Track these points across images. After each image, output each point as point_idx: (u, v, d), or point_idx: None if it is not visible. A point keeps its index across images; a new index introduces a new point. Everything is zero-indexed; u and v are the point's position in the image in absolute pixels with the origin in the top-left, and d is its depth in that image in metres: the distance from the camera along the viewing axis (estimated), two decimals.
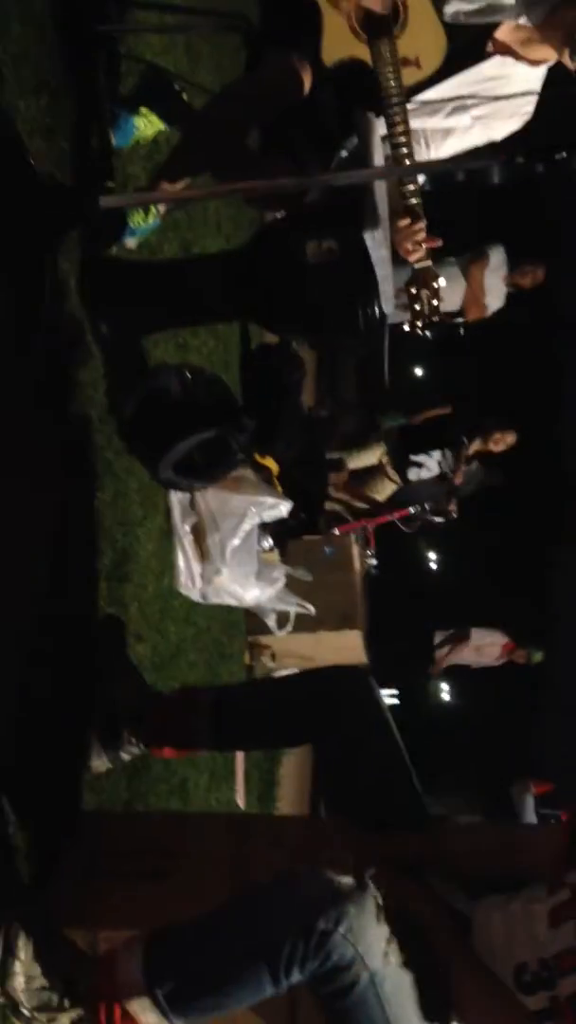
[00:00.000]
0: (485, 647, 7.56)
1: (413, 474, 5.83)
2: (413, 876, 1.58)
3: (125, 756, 2.07)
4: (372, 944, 1.35)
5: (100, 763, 2.06)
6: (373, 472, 6.03)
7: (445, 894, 1.59)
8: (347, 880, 1.36)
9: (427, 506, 5.75)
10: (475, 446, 5.96)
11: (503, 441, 6.01)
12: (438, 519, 5.91)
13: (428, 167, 2.35)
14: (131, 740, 2.04)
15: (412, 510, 5.71)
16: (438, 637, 7.84)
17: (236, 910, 1.43)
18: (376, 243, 2.23)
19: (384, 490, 6.00)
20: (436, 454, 5.81)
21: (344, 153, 2.47)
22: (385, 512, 5.76)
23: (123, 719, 2.04)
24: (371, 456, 5.98)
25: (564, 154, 1.75)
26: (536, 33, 2.18)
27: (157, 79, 2.84)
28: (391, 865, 1.53)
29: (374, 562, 7.70)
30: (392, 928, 1.38)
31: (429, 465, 5.79)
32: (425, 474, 5.83)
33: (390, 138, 2.19)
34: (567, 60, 2.11)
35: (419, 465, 5.79)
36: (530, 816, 5.84)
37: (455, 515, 5.93)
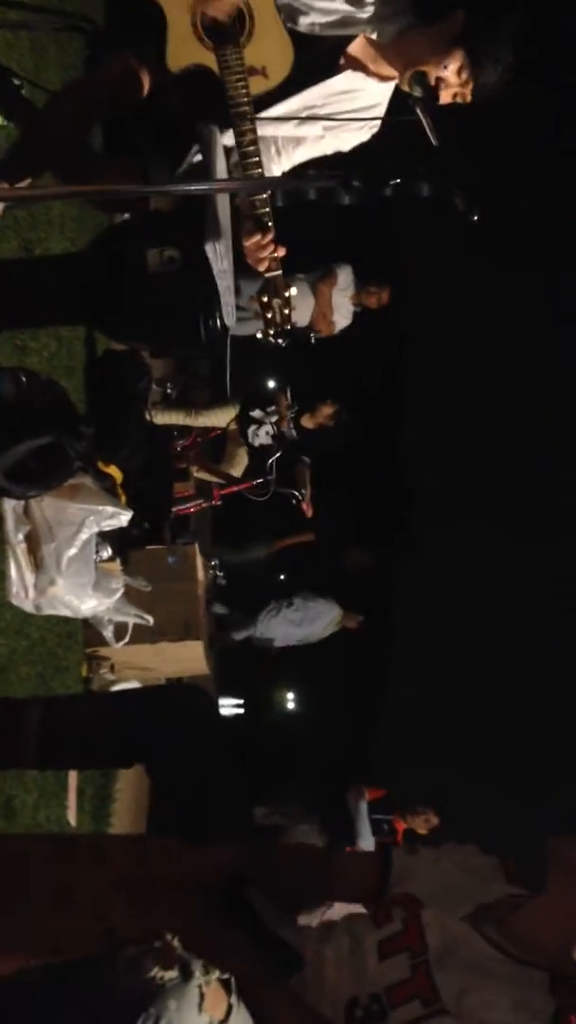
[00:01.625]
0: None
1: (251, 434, 5.91)
2: (238, 895, 1.56)
3: None
4: None
5: None
6: (226, 446, 6.11)
7: (279, 922, 1.57)
8: (170, 974, 1.33)
9: (273, 475, 5.81)
10: (304, 420, 6.16)
11: (326, 411, 6.22)
12: (293, 492, 5.99)
13: (268, 183, 2.33)
14: None
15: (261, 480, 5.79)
16: None
17: (54, 992, 1.37)
18: (217, 255, 2.22)
19: (239, 463, 6.08)
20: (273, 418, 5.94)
21: (192, 159, 2.44)
22: (237, 484, 5.84)
23: None
24: (219, 418, 6.03)
25: (398, 181, 1.79)
26: (384, 51, 2.23)
27: None
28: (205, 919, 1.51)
29: (221, 573, 7.70)
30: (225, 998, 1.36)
31: (266, 427, 5.88)
32: (263, 434, 5.91)
33: (238, 147, 2.17)
34: (404, 86, 2.16)
35: (259, 423, 5.87)
36: (364, 822, 5.93)
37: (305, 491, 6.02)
